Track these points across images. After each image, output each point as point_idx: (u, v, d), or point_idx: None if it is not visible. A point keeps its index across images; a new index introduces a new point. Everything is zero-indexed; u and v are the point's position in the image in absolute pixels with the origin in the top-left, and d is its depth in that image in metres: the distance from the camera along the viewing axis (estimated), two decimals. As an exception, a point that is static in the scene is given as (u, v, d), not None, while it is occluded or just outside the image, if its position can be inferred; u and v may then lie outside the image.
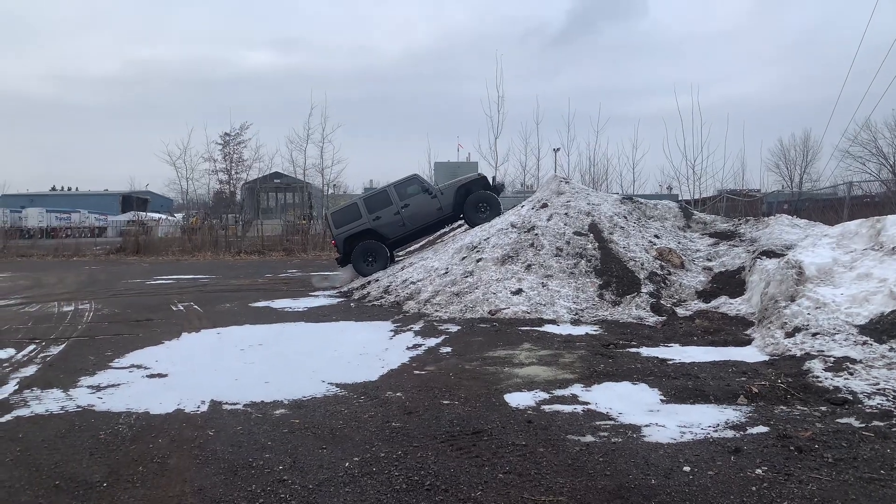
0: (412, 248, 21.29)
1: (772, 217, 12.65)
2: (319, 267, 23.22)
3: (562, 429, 4.81)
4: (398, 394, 5.93)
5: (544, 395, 5.76)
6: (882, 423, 4.63)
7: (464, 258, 12.26)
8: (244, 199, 45.68)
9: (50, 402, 5.84)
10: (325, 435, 4.80)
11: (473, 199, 15.74)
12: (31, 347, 8.43)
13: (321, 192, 49.75)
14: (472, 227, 15.12)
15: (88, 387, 6.37)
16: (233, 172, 36.12)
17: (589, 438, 4.60)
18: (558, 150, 42.22)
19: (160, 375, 6.83)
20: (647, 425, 4.87)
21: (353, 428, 4.95)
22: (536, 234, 12.00)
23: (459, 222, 17.97)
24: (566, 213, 12.55)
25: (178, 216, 49.88)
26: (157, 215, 44.36)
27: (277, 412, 5.44)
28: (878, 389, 5.42)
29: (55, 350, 8.27)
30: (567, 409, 5.35)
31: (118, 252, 31.55)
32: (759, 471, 3.86)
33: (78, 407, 5.68)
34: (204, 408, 5.59)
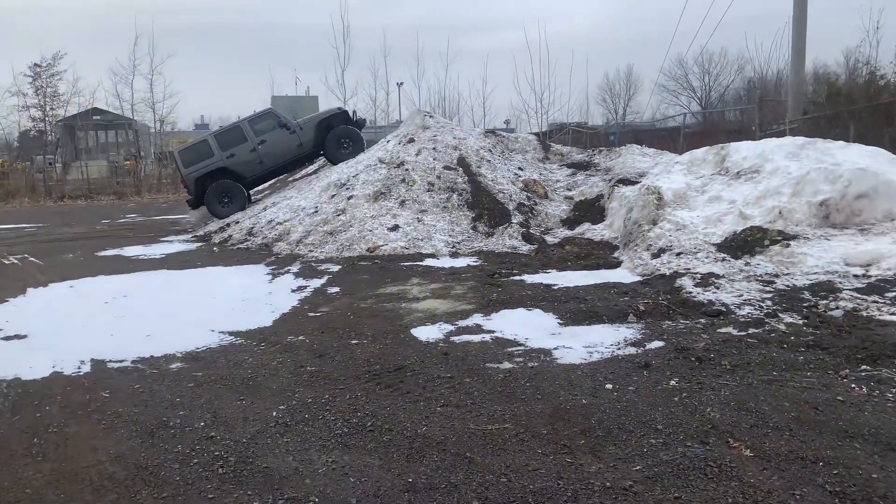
0: (263, 188, 20.40)
1: (623, 147, 13.46)
2: (160, 210, 21.63)
3: (479, 358, 4.90)
4: (300, 337, 5.72)
5: (449, 328, 5.83)
6: (759, 330, 5.18)
7: (333, 196, 11.92)
8: (59, 137, 41.00)
9: None
10: (237, 386, 4.54)
11: (335, 134, 15.07)
12: None
13: (148, 130, 45.86)
14: (335, 164, 14.69)
15: (-69, 356, 5.53)
16: (47, 108, 32.07)
17: (507, 365, 4.73)
18: (402, 84, 41.93)
19: (18, 337, 6.08)
20: (555, 348, 5.10)
21: (265, 376, 4.72)
22: (407, 170, 11.91)
23: (319, 160, 17.42)
24: (434, 148, 12.54)
25: (-24, 159, 43.99)
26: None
27: (173, 366, 5.05)
28: (745, 300, 6.05)
29: None
30: (476, 338, 5.46)
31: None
32: (672, 382, 4.19)
33: (-73, 380, 4.91)
34: (86, 368, 5.07)
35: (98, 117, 48.39)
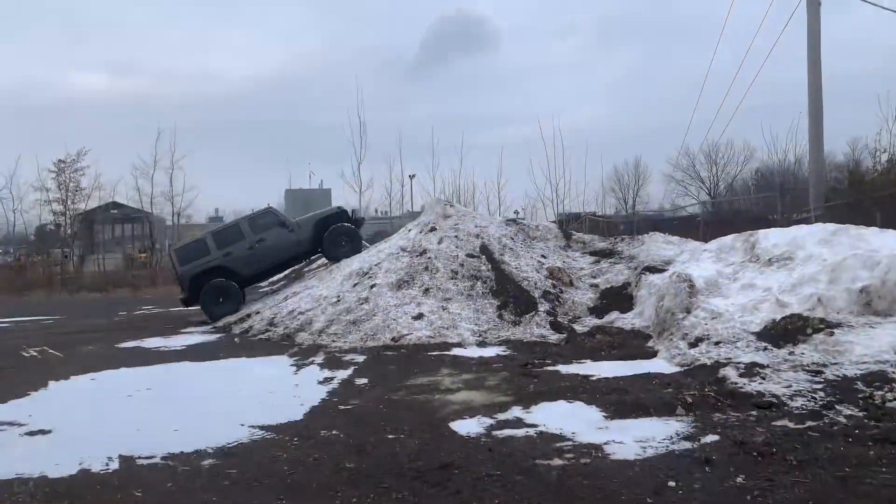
0: (279, 278, 20.42)
1: (646, 235, 13.46)
2: (176, 302, 21.50)
3: (526, 454, 4.66)
4: (333, 432, 5.50)
5: (489, 421, 5.60)
6: (817, 423, 4.94)
7: (355, 284, 11.87)
8: (76, 231, 41.73)
9: None
10: (275, 485, 4.31)
11: (333, 232, 15.04)
12: None
13: (164, 223, 46.63)
14: (334, 262, 14.74)
15: (-47, 453, 5.32)
16: (69, 202, 32.77)
17: (558, 462, 4.49)
18: (413, 176, 42.80)
19: (42, 432, 5.87)
20: (605, 443, 4.86)
21: (302, 474, 4.49)
22: (430, 258, 11.90)
23: (317, 257, 17.51)
24: (456, 236, 12.58)
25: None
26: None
27: (205, 462, 4.83)
28: (795, 391, 5.81)
29: None
30: (519, 432, 5.22)
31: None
32: (739, 479, 3.94)
33: (-50, 479, 4.70)
34: (114, 465, 4.85)
35: (115, 211, 49.38)
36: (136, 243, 52.11)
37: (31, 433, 5.85)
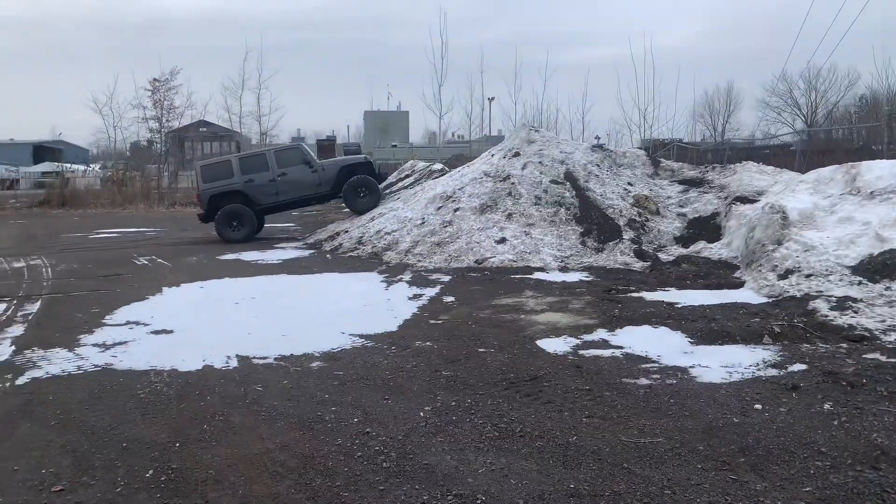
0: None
1: (738, 164, 13.05)
2: (269, 219, 22.57)
3: (613, 373, 4.88)
4: (427, 343, 5.87)
5: (575, 341, 5.83)
6: (911, 357, 4.92)
7: (440, 208, 12.14)
8: (168, 148, 43.58)
9: (61, 361, 5.48)
10: (379, 386, 4.71)
11: (355, 181, 15.08)
12: (2, 306, 7.85)
13: (250, 143, 48.01)
14: (352, 209, 15.06)
15: (94, 345, 6.01)
16: (164, 120, 34.18)
17: (644, 381, 4.69)
18: (493, 99, 42.21)
19: (166, 332, 6.51)
20: (691, 366, 5.01)
21: (404, 378, 4.88)
22: (513, 183, 11.99)
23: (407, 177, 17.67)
24: (540, 162, 12.57)
25: (94, 167, 47.17)
26: (78, 167, 41.82)
27: (314, 365, 5.29)
28: (890, 326, 5.75)
29: (32, 308, 7.74)
30: (606, 353, 5.43)
31: (41, 205, 29.61)
32: (826, 406, 4.04)
33: (95, 366, 5.35)
34: (234, 363, 5.37)
35: (204, 129, 51.17)
36: (223, 161, 54.16)
37: (156, 332, 6.50)
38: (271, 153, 15.53)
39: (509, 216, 11.26)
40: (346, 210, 16.30)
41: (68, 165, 42.29)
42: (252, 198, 14.88)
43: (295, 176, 15.12)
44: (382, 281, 9.23)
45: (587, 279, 8.86)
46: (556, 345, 5.71)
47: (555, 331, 6.19)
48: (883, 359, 4.98)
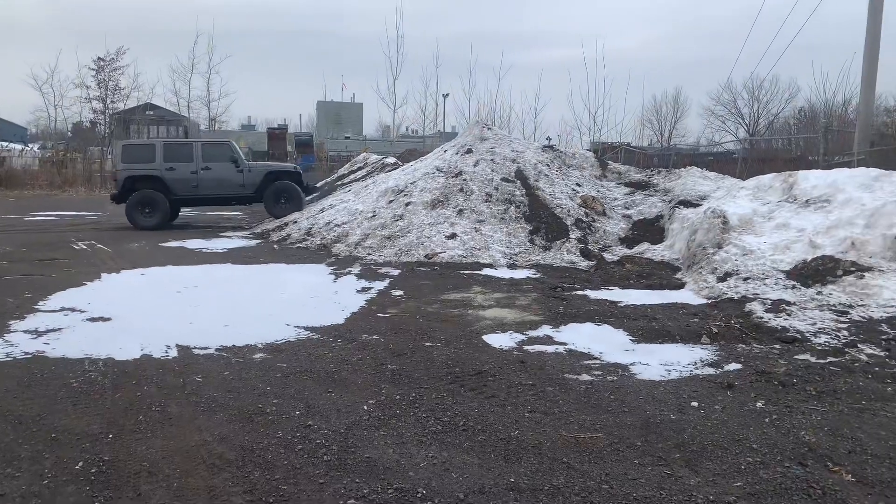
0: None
1: (683, 169, 13.40)
2: (215, 206, 22.08)
3: (556, 368, 4.95)
4: (374, 336, 5.84)
5: (520, 337, 5.89)
6: (839, 359, 5.13)
7: (391, 201, 12.09)
8: (112, 130, 42.19)
9: (-12, 348, 5.24)
10: (323, 379, 4.66)
11: (278, 186, 14.91)
12: (-73, 289, 7.48)
13: (198, 127, 46.94)
14: (272, 216, 14.72)
15: (25, 331, 5.77)
16: (108, 101, 33.09)
17: (586, 377, 4.77)
18: (447, 95, 42.37)
19: (103, 319, 6.30)
20: (631, 364, 5.12)
21: (348, 371, 4.84)
22: (465, 180, 12.04)
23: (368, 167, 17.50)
24: (492, 160, 12.66)
25: (32, 147, 45.37)
26: (15, 146, 40.07)
27: (257, 356, 5.20)
28: (820, 329, 5.99)
29: (-41, 292, 7.39)
30: (549, 349, 5.50)
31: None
32: (759, 404, 4.19)
33: (25, 353, 5.13)
34: (173, 352, 5.24)
35: (151, 113, 49.73)
36: (169, 146, 52.68)
37: (93, 319, 6.29)
38: (198, 145, 15.12)
39: (460, 212, 11.30)
40: None
41: (4, 144, 40.47)
42: (170, 186, 14.48)
43: (219, 172, 14.75)
44: (331, 273, 9.14)
45: (534, 276, 8.96)
46: (501, 340, 5.76)
47: (501, 326, 6.24)
48: (812, 360, 5.18)
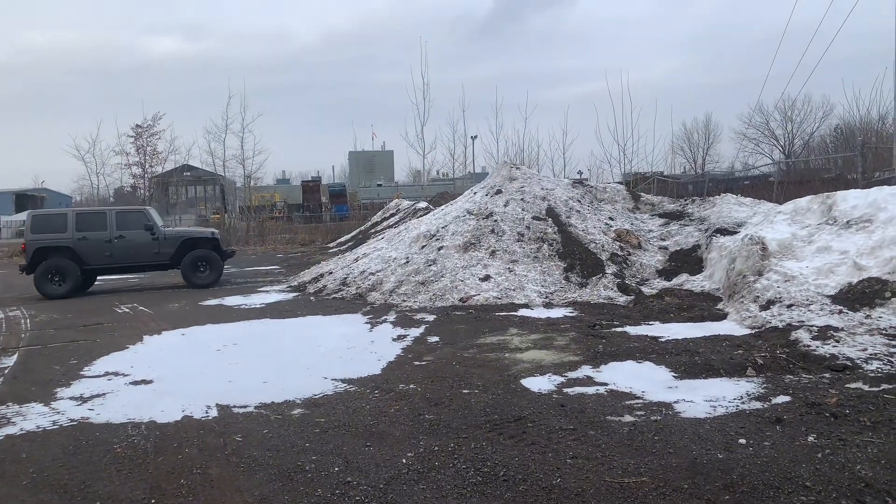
0: (345, 239, 20.84)
1: (717, 196, 13.22)
2: (250, 262, 22.50)
3: (597, 411, 4.84)
4: (411, 385, 5.80)
5: (560, 379, 5.80)
6: (893, 386, 4.92)
7: (423, 247, 12.15)
8: (152, 193, 43.57)
9: (36, 417, 5.35)
10: (361, 432, 4.64)
11: (196, 255, 14.70)
12: (-22, 360, 7.71)
13: (234, 185, 48.16)
14: (192, 286, 14.55)
15: (71, 398, 5.89)
16: (147, 166, 34.26)
17: (629, 418, 4.65)
18: (475, 137, 42.78)
19: (145, 382, 6.40)
20: (675, 402, 4.99)
21: (386, 423, 4.81)
22: (496, 221, 12.05)
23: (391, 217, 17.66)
24: (522, 199, 12.67)
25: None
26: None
27: (295, 412, 5.21)
28: (871, 354, 5.77)
29: (9, 361, 7.59)
30: (590, 390, 5.40)
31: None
32: (810, 438, 4.02)
33: (71, 420, 5.23)
34: (213, 412, 5.28)
35: (188, 174, 51.33)
36: (208, 204, 54.17)
37: (135, 383, 6.39)
38: (112, 213, 14.87)
39: (493, 253, 11.29)
40: (334, 249, 16.13)
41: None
42: (82, 256, 14.17)
43: (133, 240, 14.55)
44: (366, 322, 9.17)
45: (571, 315, 8.86)
46: (540, 383, 5.67)
47: (539, 369, 6.16)
48: (865, 388, 4.99)
